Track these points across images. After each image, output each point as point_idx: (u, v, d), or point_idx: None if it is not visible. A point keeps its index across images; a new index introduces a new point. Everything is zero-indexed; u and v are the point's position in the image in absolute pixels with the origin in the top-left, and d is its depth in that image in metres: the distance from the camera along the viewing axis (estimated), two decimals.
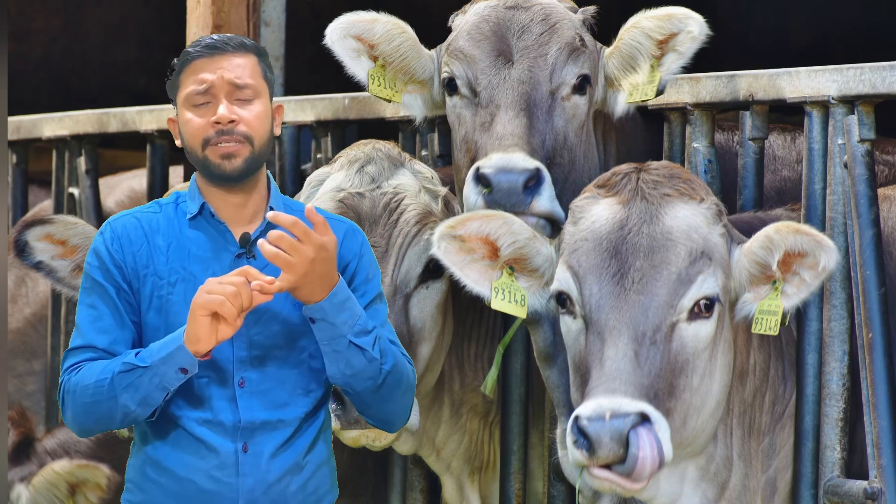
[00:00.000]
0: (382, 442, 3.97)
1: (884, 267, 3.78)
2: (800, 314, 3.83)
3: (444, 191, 4.19)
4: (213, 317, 3.12)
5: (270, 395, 3.26)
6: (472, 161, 3.90)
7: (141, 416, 3.20)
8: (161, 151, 5.71)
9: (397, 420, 3.39)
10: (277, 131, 3.36)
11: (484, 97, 3.97)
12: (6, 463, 4.86)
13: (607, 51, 4.09)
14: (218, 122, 3.24)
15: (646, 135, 4.39)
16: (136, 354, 3.18)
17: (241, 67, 3.28)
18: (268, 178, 3.37)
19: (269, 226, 3.29)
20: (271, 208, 3.32)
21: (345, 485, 3.60)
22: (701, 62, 4.05)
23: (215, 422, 3.25)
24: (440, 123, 4.61)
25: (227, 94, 3.26)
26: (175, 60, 3.32)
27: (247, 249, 3.29)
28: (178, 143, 3.34)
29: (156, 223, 3.32)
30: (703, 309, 3.46)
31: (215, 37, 3.33)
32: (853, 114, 3.79)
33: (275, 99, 3.39)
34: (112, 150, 7.39)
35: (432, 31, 4.26)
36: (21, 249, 4.75)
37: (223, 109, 3.24)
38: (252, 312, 3.23)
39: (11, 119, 6.19)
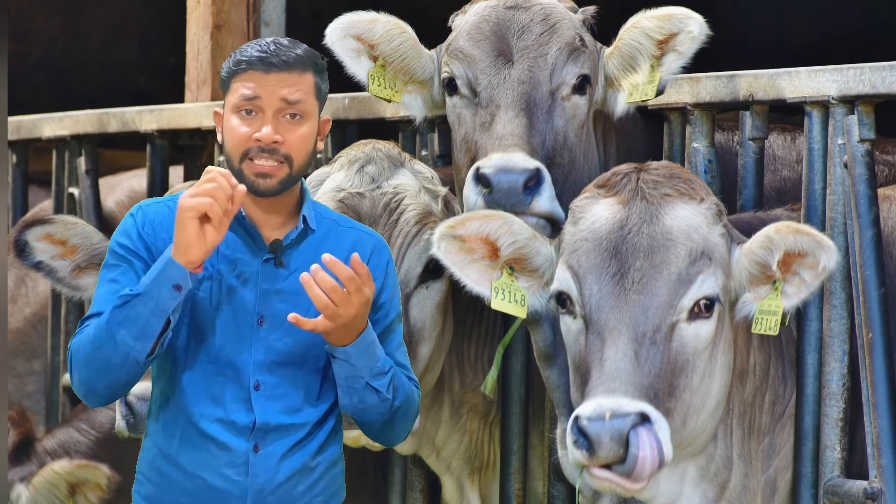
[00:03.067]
0: None
1: (884, 267, 3.78)
2: (800, 314, 3.83)
3: (444, 191, 4.19)
4: (201, 220, 3.08)
5: (285, 400, 3.26)
6: (472, 161, 3.90)
7: (141, 353, 3.11)
8: (161, 151, 5.71)
9: (397, 440, 3.42)
10: (320, 146, 3.34)
11: (484, 97, 3.97)
12: (6, 463, 4.86)
13: (607, 51, 4.09)
14: (260, 140, 3.20)
15: (646, 135, 4.39)
16: (130, 288, 3.13)
17: (294, 85, 3.22)
18: (301, 182, 3.33)
19: (302, 233, 3.29)
20: (304, 217, 3.29)
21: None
22: (701, 62, 4.05)
23: (228, 421, 3.24)
24: (440, 123, 4.60)
25: (275, 111, 3.21)
26: (229, 60, 3.26)
27: (275, 256, 3.26)
28: (219, 138, 3.31)
29: None
30: (703, 309, 3.46)
31: (272, 46, 3.24)
32: (853, 114, 3.79)
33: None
34: (112, 150, 7.39)
35: (432, 31, 4.26)
36: (21, 249, 4.76)
37: (267, 129, 3.20)
38: (272, 318, 3.24)
39: (11, 119, 6.19)
